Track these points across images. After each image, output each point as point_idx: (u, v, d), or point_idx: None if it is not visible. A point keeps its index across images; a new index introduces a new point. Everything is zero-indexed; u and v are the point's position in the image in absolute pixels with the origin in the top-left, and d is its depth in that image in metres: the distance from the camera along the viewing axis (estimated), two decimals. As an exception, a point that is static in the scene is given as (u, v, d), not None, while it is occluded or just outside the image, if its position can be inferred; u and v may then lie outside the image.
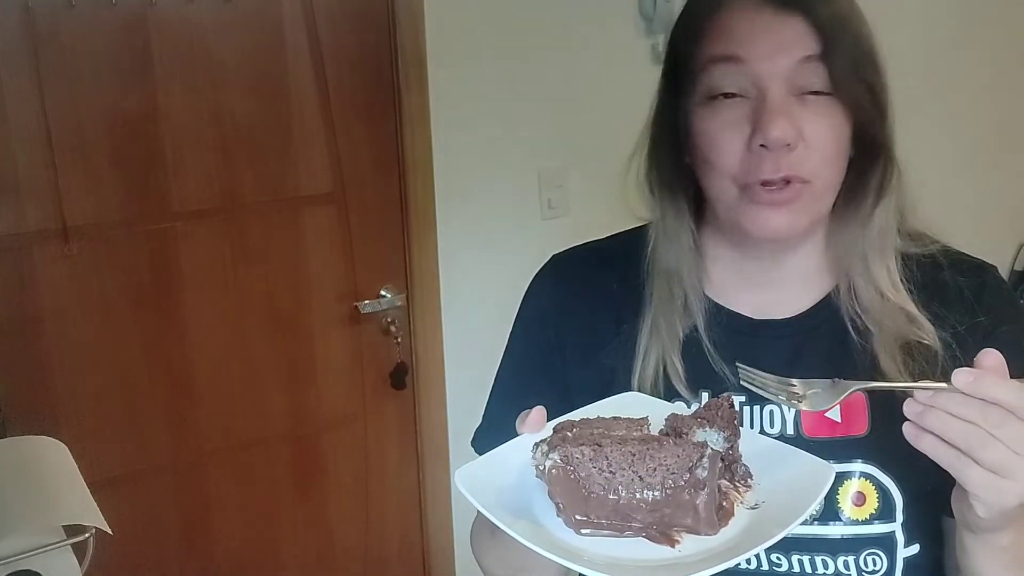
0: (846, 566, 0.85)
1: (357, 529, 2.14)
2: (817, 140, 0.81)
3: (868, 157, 0.85)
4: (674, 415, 0.77)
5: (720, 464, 0.70)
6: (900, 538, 0.85)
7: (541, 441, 0.71)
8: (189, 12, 1.73)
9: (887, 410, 0.83)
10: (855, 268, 0.88)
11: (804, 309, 0.91)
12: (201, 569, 1.96)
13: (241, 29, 1.79)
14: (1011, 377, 0.68)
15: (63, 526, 0.99)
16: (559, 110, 2.14)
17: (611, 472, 0.68)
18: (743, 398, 0.89)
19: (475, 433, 1.01)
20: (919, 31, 2.56)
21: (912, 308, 0.86)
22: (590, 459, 0.68)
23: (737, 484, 0.73)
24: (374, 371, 2.08)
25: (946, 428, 0.67)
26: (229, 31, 1.78)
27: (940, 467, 0.69)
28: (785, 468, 0.74)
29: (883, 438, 0.85)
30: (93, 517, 0.98)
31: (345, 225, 1.97)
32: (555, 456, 0.68)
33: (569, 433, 0.72)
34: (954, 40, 2.77)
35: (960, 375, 0.67)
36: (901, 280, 0.87)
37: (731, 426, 0.74)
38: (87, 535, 0.97)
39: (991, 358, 0.68)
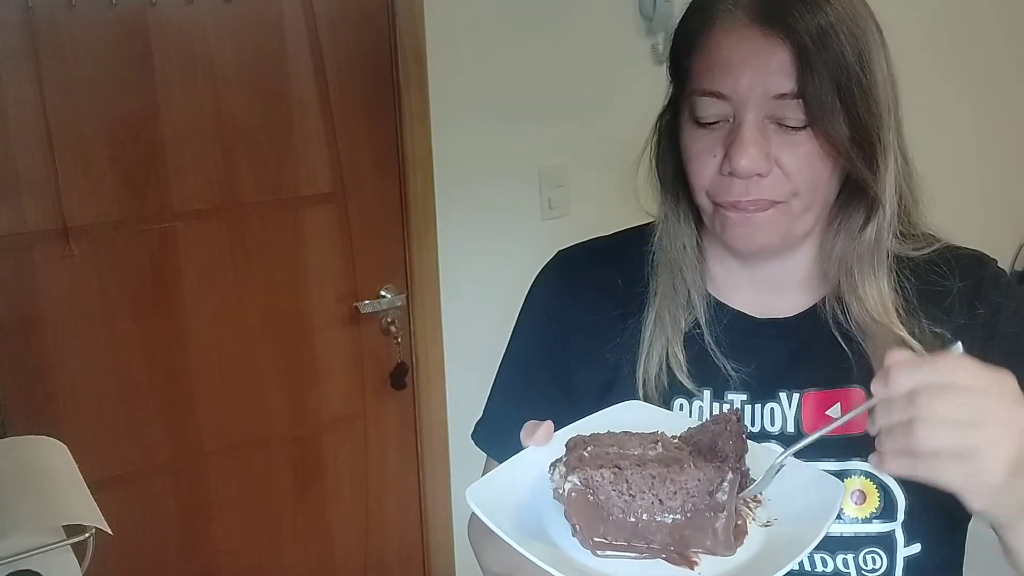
0: (845, 564, 0.85)
1: (357, 529, 2.14)
2: (793, 168, 0.81)
3: (858, 177, 0.84)
4: (700, 428, 0.75)
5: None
6: (900, 537, 0.85)
7: (557, 461, 0.70)
8: (189, 12, 1.73)
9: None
10: (845, 283, 0.87)
11: (804, 309, 0.91)
12: (201, 569, 1.96)
13: (241, 29, 1.79)
14: (1011, 365, 0.67)
15: (63, 526, 0.99)
16: (559, 110, 2.14)
17: (631, 495, 0.67)
18: (744, 396, 0.89)
19: (475, 426, 1.02)
20: (920, 32, 2.56)
21: (902, 331, 0.85)
22: (610, 482, 0.67)
23: (747, 499, 0.73)
24: (374, 371, 2.08)
25: (896, 440, 0.64)
26: (229, 31, 1.78)
27: None
28: (794, 483, 0.73)
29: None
30: (93, 517, 0.98)
31: (345, 225, 1.97)
32: (574, 479, 0.67)
33: (585, 453, 0.70)
34: (955, 40, 2.77)
35: (874, 385, 0.65)
36: (896, 289, 0.87)
37: (739, 439, 0.73)
38: (87, 535, 0.97)
39: (893, 356, 0.66)
